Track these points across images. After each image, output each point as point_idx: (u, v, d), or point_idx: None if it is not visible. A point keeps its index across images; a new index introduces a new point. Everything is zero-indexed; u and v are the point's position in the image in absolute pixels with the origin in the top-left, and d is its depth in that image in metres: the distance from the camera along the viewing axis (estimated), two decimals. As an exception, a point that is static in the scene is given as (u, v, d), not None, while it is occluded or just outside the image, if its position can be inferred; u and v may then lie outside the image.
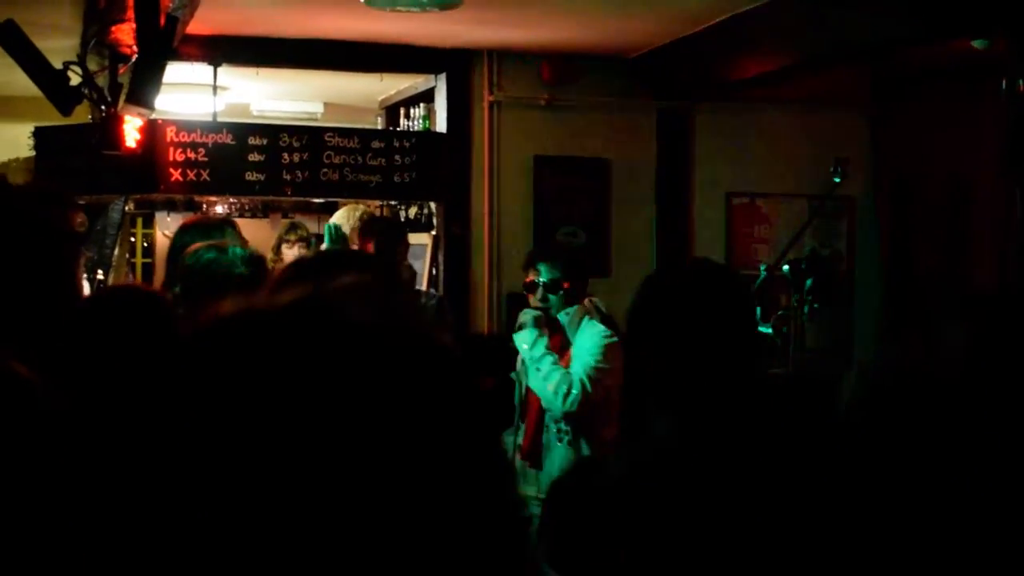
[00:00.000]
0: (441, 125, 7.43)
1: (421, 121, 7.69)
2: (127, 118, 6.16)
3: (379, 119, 8.59)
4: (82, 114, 7.12)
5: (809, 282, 5.60)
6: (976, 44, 5.95)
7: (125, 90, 5.81)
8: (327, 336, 0.84)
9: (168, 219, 9.89)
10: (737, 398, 2.14)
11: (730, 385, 2.15)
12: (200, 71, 7.16)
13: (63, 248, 2.90)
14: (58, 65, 5.39)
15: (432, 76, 7.50)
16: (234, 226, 5.06)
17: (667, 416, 2.15)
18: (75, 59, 5.40)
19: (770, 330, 5.51)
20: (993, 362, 2.39)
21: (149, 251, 10.94)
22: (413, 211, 7.96)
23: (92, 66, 5.61)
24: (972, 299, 2.68)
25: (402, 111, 8.09)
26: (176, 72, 7.16)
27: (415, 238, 7.33)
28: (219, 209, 8.89)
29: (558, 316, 4.73)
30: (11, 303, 2.59)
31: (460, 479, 0.82)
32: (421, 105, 7.74)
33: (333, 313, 0.87)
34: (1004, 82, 5.01)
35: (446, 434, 0.83)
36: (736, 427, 2.08)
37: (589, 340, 4.65)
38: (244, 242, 4.75)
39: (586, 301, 4.82)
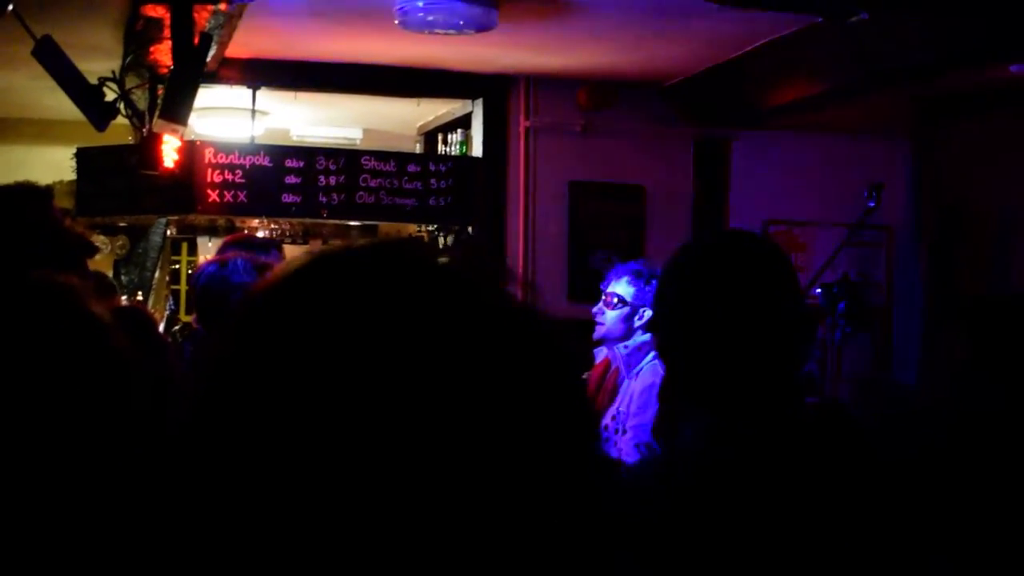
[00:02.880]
0: (478, 150, 7.46)
1: (458, 147, 7.73)
2: (165, 138, 6.23)
3: (417, 145, 8.64)
4: (123, 137, 7.23)
5: (841, 306, 5.55)
6: (1014, 69, 5.90)
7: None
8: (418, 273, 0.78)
9: (209, 244, 9.95)
10: (781, 399, 1.88)
11: (774, 382, 1.87)
12: (239, 95, 7.24)
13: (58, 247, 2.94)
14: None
15: (469, 101, 7.54)
16: (279, 247, 5.07)
17: (699, 417, 1.89)
18: (111, 76, 5.48)
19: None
20: (993, 366, 2.34)
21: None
22: (451, 238, 7.97)
23: (129, 84, 5.69)
24: (975, 308, 2.59)
25: (440, 137, 8.14)
26: (216, 96, 7.26)
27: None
28: (260, 234, 8.95)
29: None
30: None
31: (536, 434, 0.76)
32: (459, 131, 7.78)
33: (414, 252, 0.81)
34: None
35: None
36: (779, 434, 1.85)
37: None
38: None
39: None
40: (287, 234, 9.20)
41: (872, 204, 5.93)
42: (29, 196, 3.12)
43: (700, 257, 1.96)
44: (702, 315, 1.87)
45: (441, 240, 7.95)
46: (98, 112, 5.21)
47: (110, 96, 5.38)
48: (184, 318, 9.39)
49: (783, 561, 1.75)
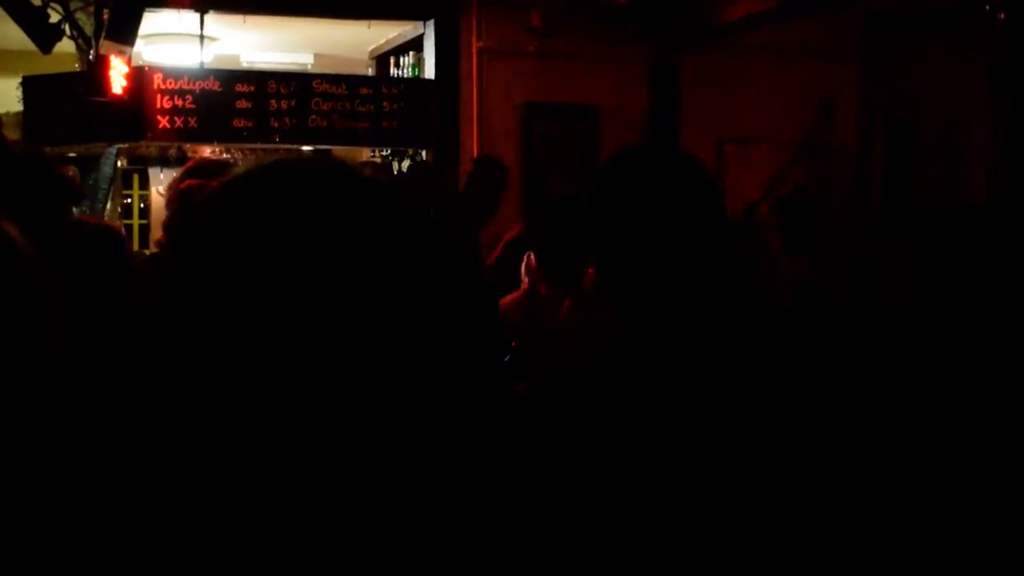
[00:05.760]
0: (430, 73, 7.41)
1: (411, 70, 7.67)
2: (113, 63, 6.16)
3: (369, 70, 8.57)
4: (71, 66, 7.13)
5: (793, 218, 5.58)
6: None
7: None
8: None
9: (161, 175, 9.87)
10: (700, 301, 1.94)
11: (694, 285, 1.94)
12: (187, 20, 7.14)
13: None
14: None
15: (420, 23, 7.48)
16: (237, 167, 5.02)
17: (623, 322, 1.95)
18: (55, -3, 5.39)
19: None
20: (943, 280, 2.37)
21: (145, 212, 10.93)
22: (406, 163, 7.94)
23: (74, 5, 5.60)
24: (920, 221, 2.62)
25: (392, 60, 8.07)
26: (163, 22, 7.16)
27: (405, 187, 7.33)
28: (214, 163, 8.86)
29: None
30: None
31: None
32: (410, 54, 7.72)
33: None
34: (987, 6, 4.98)
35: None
36: (696, 336, 1.91)
37: None
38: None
39: None
40: (238, 161, 9.14)
41: (824, 117, 5.95)
42: None
43: (624, 170, 2.02)
44: (626, 223, 1.95)
45: (395, 165, 7.92)
46: (43, 34, 5.13)
47: (54, 18, 5.29)
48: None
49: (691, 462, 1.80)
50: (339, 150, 7.84)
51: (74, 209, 7.46)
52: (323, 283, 0.86)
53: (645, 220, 1.93)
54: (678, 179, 1.98)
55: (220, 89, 6.82)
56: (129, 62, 6.31)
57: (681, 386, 1.84)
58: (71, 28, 5.56)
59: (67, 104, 6.78)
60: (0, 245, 1.36)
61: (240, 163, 8.80)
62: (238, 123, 6.85)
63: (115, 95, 6.36)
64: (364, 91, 7.10)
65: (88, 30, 6.41)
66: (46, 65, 6.68)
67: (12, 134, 6.29)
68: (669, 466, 1.78)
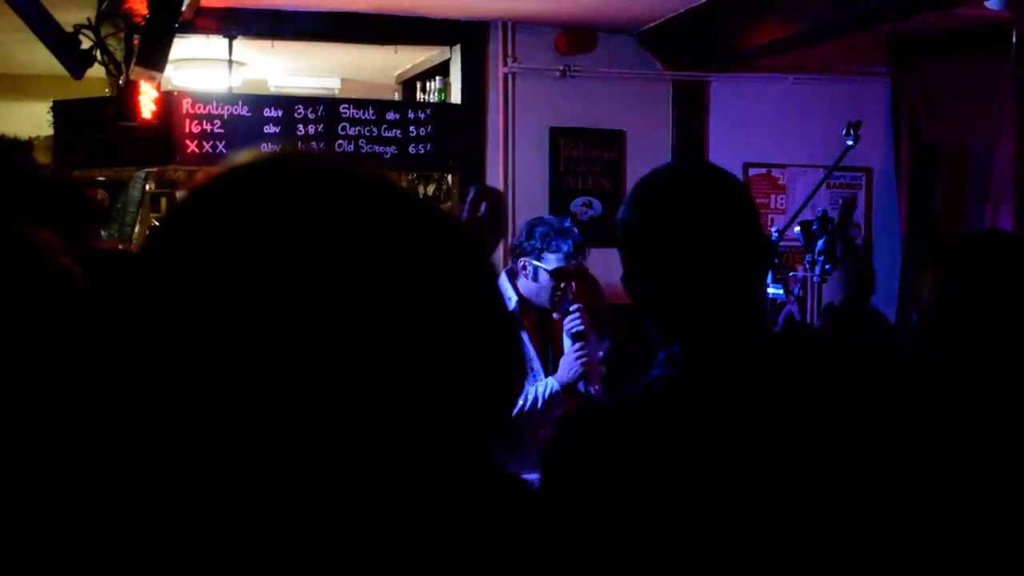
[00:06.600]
0: (457, 98, 7.44)
1: (437, 95, 7.71)
2: (142, 88, 6.21)
3: (396, 94, 8.61)
4: (100, 91, 7.20)
5: (820, 244, 5.56)
6: (989, 4, 5.90)
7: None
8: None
9: (189, 199, 9.94)
10: (745, 323, 1.90)
11: (738, 310, 1.89)
12: (216, 45, 7.20)
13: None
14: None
15: (447, 48, 7.51)
16: None
17: (668, 347, 1.88)
18: (87, 23, 5.44)
19: (780, 290, 5.49)
20: (958, 303, 2.35)
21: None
22: (431, 188, 7.97)
23: (104, 32, 5.65)
24: (943, 244, 2.60)
25: (418, 85, 8.11)
26: (192, 47, 7.22)
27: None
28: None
29: None
30: None
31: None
32: (437, 79, 7.75)
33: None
34: (1014, 35, 4.97)
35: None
36: (745, 356, 1.86)
37: None
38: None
39: None
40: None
41: (850, 142, 5.93)
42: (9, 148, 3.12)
43: (659, 187, 1.96)
44: (662, 243, 1.89)
45: (421, 189, 7.94)
46: (74, 60, 5.19)
47: (86, 44, 5.35)
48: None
49: (757, 482, 1.77)
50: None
51: (102, 232, 7.57)
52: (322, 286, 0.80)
53: (685, 240, 1.88)
54: (717, 196, 1.92)
55: (248, 114, 6.88)
56: (159, 87, 6.37)
57: (731, 413, 1.80)
58: (102, 54, 5.62)
59: (96, 129, 6.85)
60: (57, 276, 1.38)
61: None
62: (266, 147, 6.88)
63: (144, 120, 6.42)
64: (391, 116, 7.14)
65: (119, 56, 6.47)
66: (77, 90, 6.76)
67: (43, 157, 6.36)
68: (735, 503, 1.76)
